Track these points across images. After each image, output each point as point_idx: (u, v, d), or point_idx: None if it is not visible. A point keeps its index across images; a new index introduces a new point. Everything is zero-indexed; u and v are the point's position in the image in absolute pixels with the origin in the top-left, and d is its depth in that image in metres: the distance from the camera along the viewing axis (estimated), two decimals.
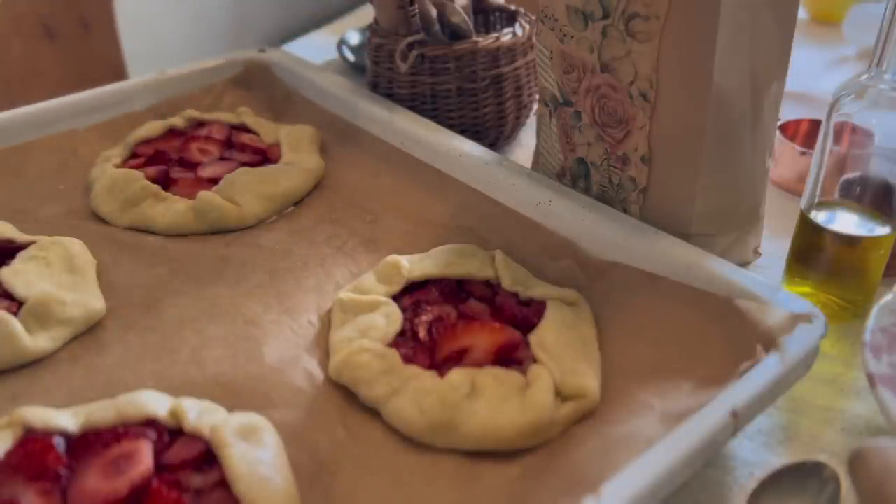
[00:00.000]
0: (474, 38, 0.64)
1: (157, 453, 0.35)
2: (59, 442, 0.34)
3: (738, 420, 0.35)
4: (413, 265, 0.47)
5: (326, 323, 0.45)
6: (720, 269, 0.43)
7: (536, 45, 0.54)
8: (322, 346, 0.44)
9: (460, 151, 0.55)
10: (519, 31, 0.66)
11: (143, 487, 0.33)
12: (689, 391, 0.38)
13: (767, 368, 0.37)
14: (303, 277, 0.49)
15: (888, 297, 0.45)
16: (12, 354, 0.41)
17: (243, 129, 0.63)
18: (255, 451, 0.35)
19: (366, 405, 0.40)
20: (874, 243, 0.48)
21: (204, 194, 0.53)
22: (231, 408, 0.38)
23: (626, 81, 0.47)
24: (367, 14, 1.01)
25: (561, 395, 0.39)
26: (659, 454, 0.33)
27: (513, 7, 0.73)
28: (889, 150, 0.46)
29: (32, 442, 0.34)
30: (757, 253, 0.54)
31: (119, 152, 0.59)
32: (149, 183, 0.54)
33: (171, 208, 0.53)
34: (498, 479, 0.36)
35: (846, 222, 0.48)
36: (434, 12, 0.63)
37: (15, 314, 0.43)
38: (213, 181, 0.56)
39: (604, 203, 0.50)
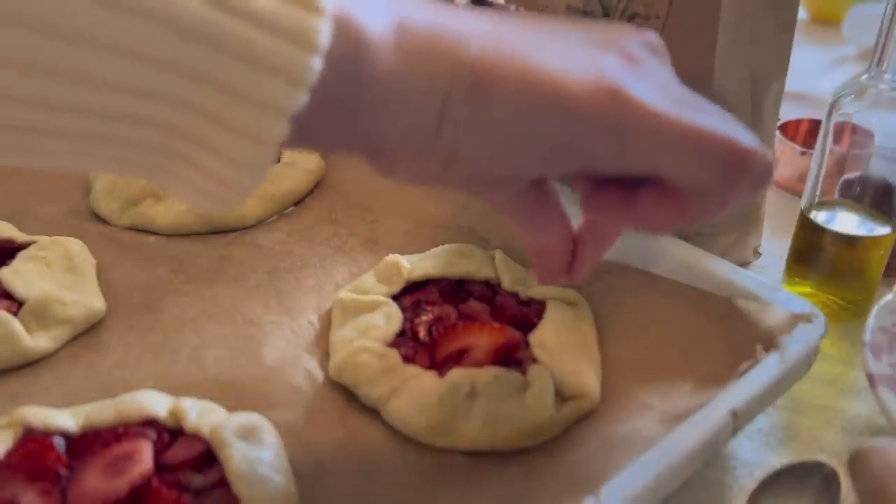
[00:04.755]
0: None
1: (157, 453, 0.35)
2: (59, 442, 0.34)
3: (738, 420, 0.35)
4: (413, 265, 0.47)
5: (326, 323, 0.45)
6: (720, 269, 0.43)
7: None
8: (322, 346, 0.44)
9: None
10: None
11: (143, 487, 0.33)
12: (689, 391, 0.38)
13: (767, 368, 0.37)
14: (303, 277, 0.49)
15: (888, 297, 0.45)
16: (12, 354, 0.41)
17: None
18: (255, 451, 0.34)
19: (366, 405, 0.40)
20: (874, 243, 0.48)
21: None
22: (231, 408, 0.38)
23: None
24: None
25: (561, 395, 0.39)
26: (659, 454, 0.33)
27: (513, 7, 0.73)
28: (889, 150, 0.46)
29: (32, 442, 0.34)
30: (757, 253, 0.54)
31: None
32: None
33: (171, 208, 0.53)
34: (498, 478, 0.36)
35: (846, 222, 0.48)
36: None
37: (15, 314, 0.43)
38: None
39: None
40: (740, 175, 0.27)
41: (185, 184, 0.25)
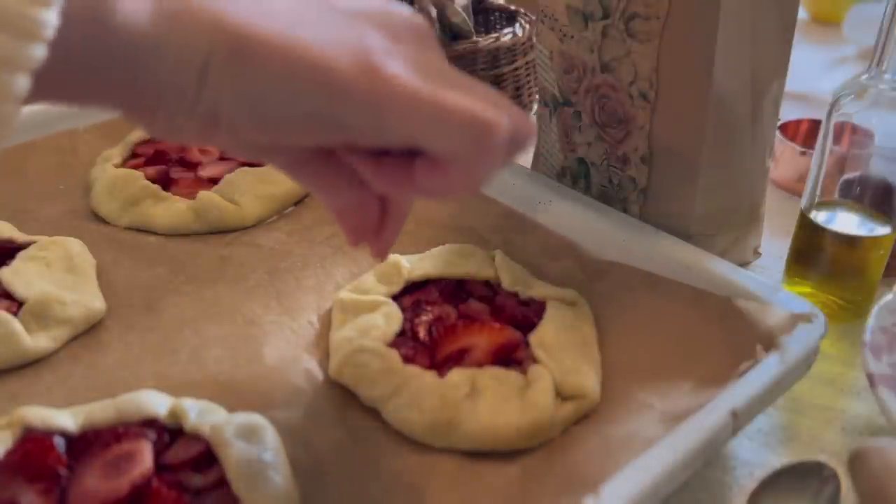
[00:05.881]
0: (474, 38, 0.64)
1: (157, 453, 0.35)
2: (59, 442, 0.34)
3: (738, 420, 0.35)
4: (413, 265, 0.47)
5: (326, 323, 0.45)
6: (720, 269, 0.43)
7: (536, 45, 0.54)
8: (322, 346, 0.44)
9: None
10: (519, 31, 0.66)
11: (143, 487, 0.33)
12: (689, 391, 0.38)
13: (767, 368, 0.37)
14: (303, 277, 0.49)
15: (888, 297, 0.45)
16: (12, 354, 0.41)
17: None
18: (255, 450, 0.34)
19: (366, 405, 0.40)
20: (874, 243, 0.48)
21: (204, 194, 0.53)
22: (231, 408, 0.38)
23: (626, 81, 0.47)
24: None
25: (561, 395, 0.39)
26: (659, 454, 0.33)
27: (513, 7, 0.73)
28: (889, 150, 0.46)
29: (32, 442, 0.34)
30: (757, 253, 0.54)
31: (119, 152, 0.59)
32: (149, 183, 0.54)
33: (171, 208, 0.53)
34: (498, 479, 0.36)
35: (846, 222, 0.48)
36: (434, 12, 0.63)
37: (15, 314, 0.43)
38: (213, 181, 0.56)
39: (604, 203, 0.50)
40: (485, 144, 0.28)
41: None
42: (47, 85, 0.24)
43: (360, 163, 0.31)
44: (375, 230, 0.34)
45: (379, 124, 0.27)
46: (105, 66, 0.25)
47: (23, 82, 0.23)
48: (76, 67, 0.25)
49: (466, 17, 0.64)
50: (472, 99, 0.28)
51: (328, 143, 0.29)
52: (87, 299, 0.45)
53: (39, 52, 0.23)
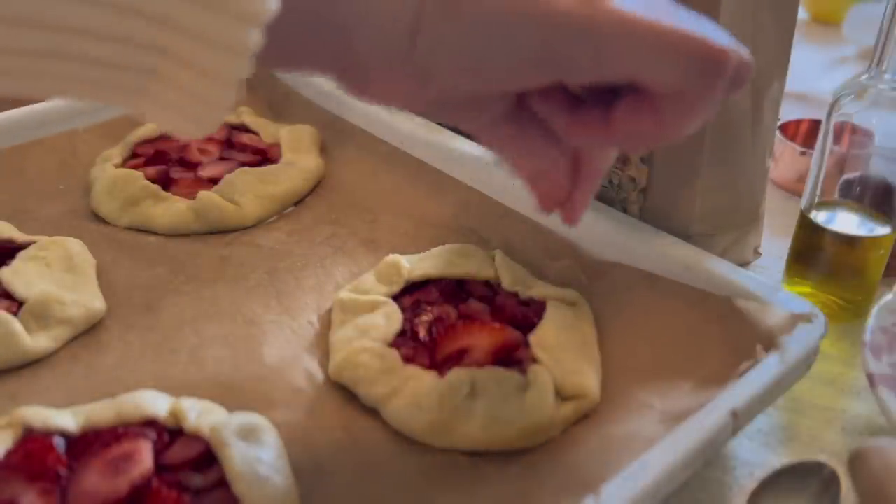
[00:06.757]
0: None
1: (157, 453, 0.35)
2: (59, 442, 0.34)
3: (738, 420, 0.35)
4: (413, 265, 0.47)
5: (326, 323, 0.45)
6: (720, 269, 0.43)
7: None
8: (322, 346, 0.44)
9: (460, 151, 0.55)
10: None
11: (143, 487, 0.33)
12: (689, 391, 0.38)
13: (767, 368, 0.37)
14: (303, 277, 0.49)
15: (888, 297, 0.46)
16: (12, 354, 0.41)
17: (243, 128, 0.63)
18: (255, 451, 0.35)
19: (366, 405, 0.40)
20: (874, 243, 0.48)
21: (204, 194, 0.53)
22: (231, 408, 0.38)
23: None
24: None
25: (561, 395, 0.39)
26: (659, 454, 0.33)
27: None
28: (889, 150, 0.46)
29: (32, 442, 0.34)
30: (757, 253, 0.54)
31: (119, 152, 0.59)
32: (149, 183, 0.54)
33: (171, 208, 0.53)
34: (498, 478, 0.36)
35: (846, 222, 0.49)
36: None
37: (15, 314, 0.43)
38: (213, 181, 0.56)
39: (604, 203, 0.50)
40: (716, 73, 0.26)
41: (166, 105, 0.26)
42: (274, 46, 0.25)
43: (556, 114, 0.29)
44: (567, 196, 0.32)
45: (597, 55, 0.26)
46: (324, 24, 0.26)
47: (256, 37, 0.24)
48: (298, 27, 0.26)
49: None
50: (698, 25, 0.26)
51: (538, 85, 0.28)
52: (87, 299, 0.45)
53: (272, 4, 0.24)
